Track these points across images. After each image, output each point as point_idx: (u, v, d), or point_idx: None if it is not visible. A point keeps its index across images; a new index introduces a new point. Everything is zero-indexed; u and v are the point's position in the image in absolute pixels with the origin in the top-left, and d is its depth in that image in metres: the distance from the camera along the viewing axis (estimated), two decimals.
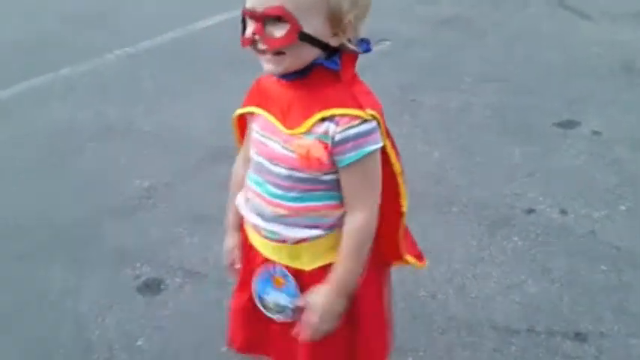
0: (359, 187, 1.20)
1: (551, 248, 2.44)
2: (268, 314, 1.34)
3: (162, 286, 2.26)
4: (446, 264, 2.35)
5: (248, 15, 1.12)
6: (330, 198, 1.23)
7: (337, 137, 1.14)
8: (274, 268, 1.29)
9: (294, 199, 1.22)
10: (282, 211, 1.24)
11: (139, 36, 4.89)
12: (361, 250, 1.24)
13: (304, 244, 1.26)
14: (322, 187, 1.21)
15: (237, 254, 1.44)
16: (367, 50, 1.18)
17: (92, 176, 3.01)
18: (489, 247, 2.46)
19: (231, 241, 1.46)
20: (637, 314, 2.09)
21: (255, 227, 1.30)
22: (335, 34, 1.13)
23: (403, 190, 1.28)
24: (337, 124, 1.14)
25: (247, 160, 1.35)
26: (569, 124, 3.41)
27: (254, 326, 1.41)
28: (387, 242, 1.34)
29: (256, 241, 1.33)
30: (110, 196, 2.83)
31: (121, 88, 4.06)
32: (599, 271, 2.31)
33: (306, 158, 1.16)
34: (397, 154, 1.26)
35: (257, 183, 1.27)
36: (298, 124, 1.16)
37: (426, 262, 1.46)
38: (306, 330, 1.26)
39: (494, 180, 2.90)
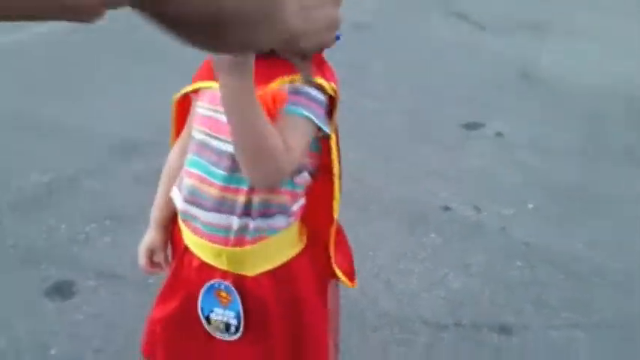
0: (293, 134, 1.05)
1: (467, 244, 2.51)
2: (214, 334, 1.22)
3: (73, 289, 2.09)
4: (371, 260, 2.34)
5: None
6: (287, 183, 1.13)
7: (291, 89, 1.06)
8: (218, 283, 1.17)
9: (242, 181, 1.09)
10: (228, 195, 1.11)
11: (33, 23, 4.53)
12: (268, 140, 1.01)
13: (248, 248, 1.14)
14: None
15: (161, 255, 1.29)
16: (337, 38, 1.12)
17: None
18: (410, 244, 2.48)
19: (153, 238, 1.28)
20: (554, 307, 2.19)
21: (189, 222, 1.17)
22: None
23: (338, 194, 1.20)
24: (292, 82, 1.06)
25: (184, 151, 1.20)
26: (474, 126, 3.53)
27: (179, 340, 1.27)
28: (320, 251, 1.24)
29: (192, 241, 1.19)
30: (6, 190, 2.58)
31: (15, 76, 3.74)
32: (515, 267, 2.39)
33: (273, 100, 1.04)
34: (339, 156, 1.19)
35: (198, 165, 1.13)
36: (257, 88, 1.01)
37: (356, 284, 1.34)
38: None
39: (409, 180, 2.94)
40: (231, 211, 1.12)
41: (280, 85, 1.06)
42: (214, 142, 1.10)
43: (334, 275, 1.27)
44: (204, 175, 1.12)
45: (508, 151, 3.28)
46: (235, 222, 1.12)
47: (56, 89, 3.58)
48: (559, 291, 2.27)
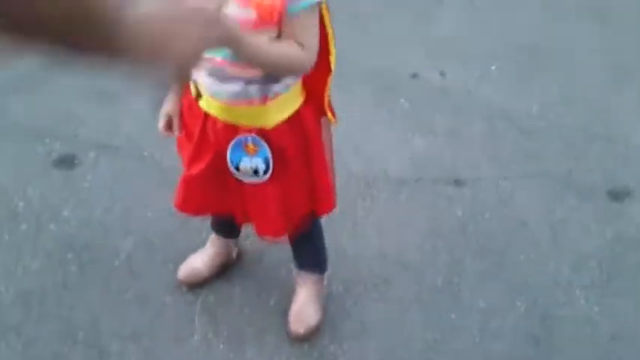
0: (301, 33, 1.31)
1: (433, 108, 2.73)
2: (242, 178, 1.51)
3: (76, 161, 2.34)
4: (343, 125, 2.57)
5: None
6: None
7: None
8: (246, 137, 1.44)
9: None
10: (241, 72, 1.35)
11: None
12: (281, 59, 1.31)
13: (270, 104, 1.41)
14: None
15: (176, 120, 1.56)
16: None
17: None
18: (379, 111, 2.71)
19: (173, 106, 1.56)
20: (507, 160, 2.45)
21: (217, 94, 1.41)
22: None
23: (333, 50, 1.44)
24: None
25: None
26: None
27: (213, 189, 1.58)
28: (316, 96, 1.51)
29: (216, 107, 1.44)
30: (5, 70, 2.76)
31: None
32: (476, 126, 2.63)
33: (269, 13, 1.26)
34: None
35: (219, 52, 1.33)
36: None
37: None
38: None
39: (381, 49, 3.09)
40: (251, 81, 1.37)
41: None
42: None
43: (324, 114, 1.57)
44: (218, 57, 1.34)
45: (477, 15, 3.41)
46: (256, 88, 1.39)
47: None
48: (513, 145, 2.53)
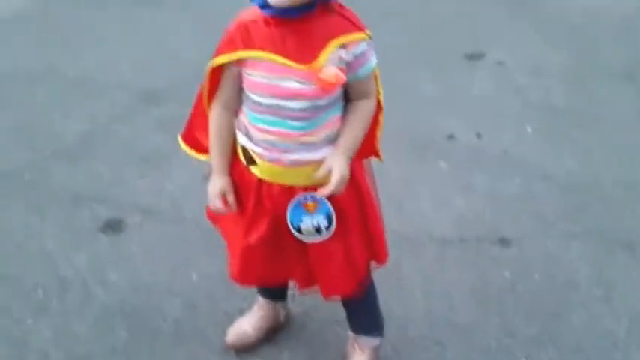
0: (368, 86, 1.45)
1: (471, 168, 2.74)
2: (305, 239, 1.50)
3: (122, 225, 2.37)
4: (384, 183, 2.58)
5: None
6: (337, 110, 1.43)
7: (350, 59, 1.34)
8: (305, 196, 1.44)
9: (317, 123, 1.39)
10: (309, 139, 1.40)
11: None
12: (367, 125, 1.47)
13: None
14: (334, 104, 1.41)
15: (231, 196, 1.53)
16: None
17: (24, 123, 2.99)
18: (419, 170, 2.72)
19: (224, 183, 1.52)
20: (550, 219, 2.43)
21: (275, 161, 1.43)
22: None
23: (380, 88, 1.50)
24: (347, 48, 1.33)
25: (227, 107, 1.47)
26: (475, 56, 3.70)
27: (274, 257, 1.57)
28: (368, 135, 1.52)
29: (273, 172, 1.45)
30: (49, 141, 2.85)
31: (35, 29, 3.93)
32: (515, 185, 2.63)
33: (333, 86, 1.33)
34: None
35: (273, 123, 1.39)
36: (314, 57, 1.31)
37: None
38: (324, 191, 1.40)
39: (415, 110, 3.14)
40: (309, 149, 1.42)
41: (333, 51, 1.32)
42: (284, 103, 1.36)
43: (374, 154, 1.62)
44: (284, 130, 1.39)
45: (508, 77, 3.47)
46: (314, 154, 1.42)
47: (74, 43, 3.79)
48: (555, 204, 2.52)
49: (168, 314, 2.01)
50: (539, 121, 3.07)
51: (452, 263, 2.24)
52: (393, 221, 2.36)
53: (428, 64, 3.59)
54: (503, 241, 2.33)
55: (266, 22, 1.33)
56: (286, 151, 1.42)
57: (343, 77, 1.33)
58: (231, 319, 1.96)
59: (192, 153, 1.63)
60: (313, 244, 1.52)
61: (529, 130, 3.01)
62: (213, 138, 1.52)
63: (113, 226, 2.36)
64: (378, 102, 1.50)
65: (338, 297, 1.70)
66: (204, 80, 1.46)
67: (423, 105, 3.19)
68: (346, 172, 1.41)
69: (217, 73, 1.43)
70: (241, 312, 1.97)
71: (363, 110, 1.45)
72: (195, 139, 1.60)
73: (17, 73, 3.41)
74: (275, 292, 1.91)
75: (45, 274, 2.15)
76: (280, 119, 1.38)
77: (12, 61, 3.55)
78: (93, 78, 3.40)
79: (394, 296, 2.10)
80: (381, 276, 1.84)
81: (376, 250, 1.64)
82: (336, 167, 1.39)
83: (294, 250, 1.56)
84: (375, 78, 1.47)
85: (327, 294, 1.65)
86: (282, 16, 1.30)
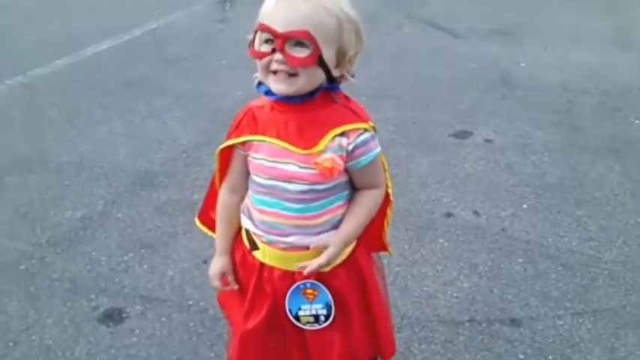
0: (372, 177, 1.43)
1: (472, 246, 2.74)
2: (304, 327, 1.47)
3: (123, 315, 2.29)
4: (387, 268, 2.56)
5: (267, 31, 1.24)
6: (340, 198, 1.42)
7: (351, 147, 1.34)
8: (304, 283, 1.42)
9: (316, 208, 1.38)
10: (307, 222, 1.39)
11: (29, 64, 4.73)
12: (371, 216, 1.45)
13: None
14: (335, 190, 1.39)
15: (231, 276, 1.54)
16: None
17: (19, 211, 2.92)
18: (420, 250, 2.71)
19: (224, 263, 1.54)
20: (557, 298, 2.42)
21: (273, 244, 1.43)
22: (337, 65, 1.32)
23: (389, 182, 1.49)
24: (348, 137, 1.33)
25: (234, 191, 1.48)
26: (464, 135, 3.78)
27: (272, 343, 1.53)
28: (375, 229, 1.53)
29: (274, 256, 1.44)
30: (45, 229, 2.78)
31: (23, 118, 3.92)
32: (518, 263, 2.62)
33: (330, 171, 1.32)
34: None
35: (269, 204, 1.40)
36: (314, 143, 1.32)
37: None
38: (311, 266, 1.38)
39: (410, 190, 3.16)
40: (306, 233, 1.40)
41: (333, 139, 1.32)
42: (282, 185, 1.37)
43: (383, 248, 1.62)
44: (281, 211, 1.39)
45: (498, 155, 3.52)
46: (312, 238, 1.40)
47: (67, 128, 3.78)
48: (560, 282, 2.51)
49: None
50: (534, 198, 3.10)
51: (464, 346, 2.20)
52: (400, 304, 2.36)
53: (419, 144, 3.64)
54: (514, 322, 2.30)
55: (271, 108, 1.36)
56: (283, 233, 1.41)
57: (340, 164, 1.34)
58: None
59: (208, 232, 1.63)
60: (312, 333, 1.49)
61: (524, 207, 3.03)
62: (219, 219, 1.54)
63: (113, 317, 2.27)
64: (387, 195, 1.49)
65: None
66: (215, 163, 1.49)
67: (416, 183, 3.21)
68: (336, 255, 1.40)
69: (226, 156, 1.46)
70: None
71: (366, 200, 1.44)
72: (211, 218, 1.59)
73: (10, 164, 3.36)
74: None
75: None
76: (277, 200, 1.39)
77: (3, 152, 3.50)
78: (88, 163, 3.36)
79: None
80: None
81: (382, 345, 1.59)
82: (330, 247, 1.39)
83: (294, 337, 1.52)
84: (384, 171, 1.47)
85: None
86: (285, 102, 1.32)
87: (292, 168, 1.34)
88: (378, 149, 1.39)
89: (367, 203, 1.43)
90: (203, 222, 1.64)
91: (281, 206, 1.39)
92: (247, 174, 1.45)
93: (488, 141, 3.70)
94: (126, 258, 2.59)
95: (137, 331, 2.22)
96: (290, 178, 1.35)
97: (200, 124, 3.70)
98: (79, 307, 2.32)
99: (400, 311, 2.32)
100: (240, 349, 1.57)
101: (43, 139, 3.64)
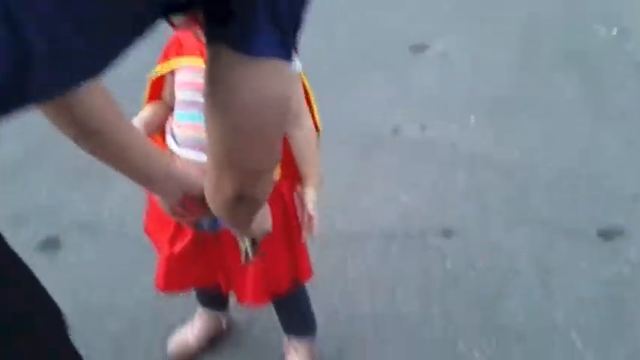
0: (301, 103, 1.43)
1: (418, 161, 2.73)
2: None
3: (60, 243, 2.32)
4: (329, 186, 2.57)
5: None
6: None
7: None
8: None
9: None
10: None
11: None
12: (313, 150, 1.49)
13: None
14: None
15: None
16: None
17: None
18: (365, 168, 2.71)
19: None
20: (493, 208, 2.44)
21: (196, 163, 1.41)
22: None
23: (316, 112, 1.51)
24: None
25: (157, 113, 1.47)
26: (419, 48, 3.68)
27: (196, 264, 1.57)
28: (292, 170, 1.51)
29: None
30: None
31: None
32: (461, 176, 2.63)
33: None
34: None
35: (191, 117, 1.39)
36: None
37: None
38: (309, 227, 1.47)
39: (360, 106, 3.12)
40: None
41: None
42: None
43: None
44: (199, 123, 1.32)
45: (450, 69, 3.46)
46: None
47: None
48: (497, 194, 2.53)
49: (109, 332, 1.98)
50: (483, 111, 3.07)
51: (396, 258, 2.24)
52: (338, 221, 2.38)
53: (370, 58, 3.57)
54: (447, 233, 2.33)
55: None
56: (204, 148, 1.38)
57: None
58: (174, 331, 1.93)
59: None
60: (232, 254, 1.50)
61: (472, 120, 3.01)
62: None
63: (51, 245, 2.31)
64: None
65: (251, 305, 1.69)
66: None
67: (365, 102, 3.18)
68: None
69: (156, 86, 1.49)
70: (183, 322, 1.94)
71: (308, 138, 1.47)
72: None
73: None
74: (215, 302, 1.89)
75: None
76: (196, 112, 1.36)
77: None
78: None
79: (339, 296, 2.10)
80: (326, 276, 1.84)
81: (301, 268, 1.63)
82: (313, 201, 1.48)
83: (215, 257, 1.56)
84: (309, 101, 1.47)
85: (240, 300, 1.66)
86: None
87: None
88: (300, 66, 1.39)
89: (313, 143, 1.49)
90: None
91: (199, 118, 1.34)
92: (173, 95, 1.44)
93: (443, 55, 3.62)
94: (66, 188, 2.60)
95: (73, 258, 2.26)
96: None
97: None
98: (17, 236, 2.33)
99: (336, 229, 2.35)
100: (165, 272, 1.60)
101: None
